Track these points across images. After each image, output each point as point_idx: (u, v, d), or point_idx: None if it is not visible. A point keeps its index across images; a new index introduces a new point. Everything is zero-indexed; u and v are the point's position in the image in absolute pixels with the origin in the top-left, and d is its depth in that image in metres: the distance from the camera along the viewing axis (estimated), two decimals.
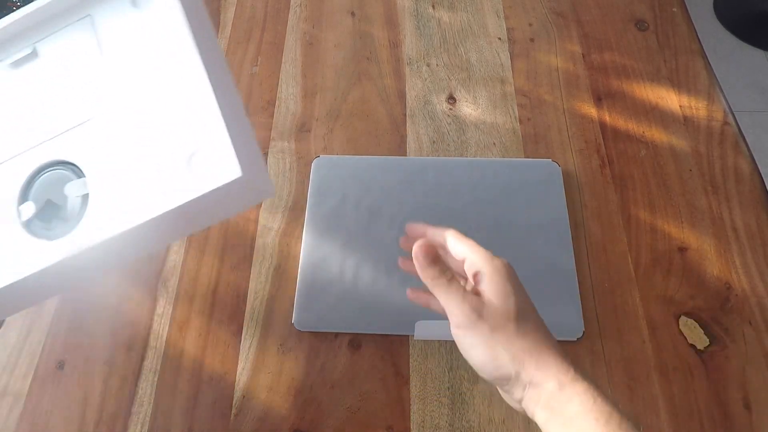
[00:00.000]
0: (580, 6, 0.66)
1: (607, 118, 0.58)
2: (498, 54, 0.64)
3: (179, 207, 0.33)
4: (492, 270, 0.29)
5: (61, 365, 0.50)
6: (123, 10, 0.39)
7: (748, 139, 0.55)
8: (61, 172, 0.38)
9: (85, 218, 0.36)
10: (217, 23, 0.71)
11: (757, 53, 1.54)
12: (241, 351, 0.49)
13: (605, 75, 0.61)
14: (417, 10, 0.69)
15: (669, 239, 0.50)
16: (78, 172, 0.37)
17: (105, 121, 0.37)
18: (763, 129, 1.42)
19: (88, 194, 0.36)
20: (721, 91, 0.58)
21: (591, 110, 0.58)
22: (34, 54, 0.40)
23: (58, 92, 0.39)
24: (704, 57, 0.61)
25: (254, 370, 0.48)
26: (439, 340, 0.48)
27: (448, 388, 0.46)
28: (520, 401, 0.28)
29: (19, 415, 0.48)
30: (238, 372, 0.48)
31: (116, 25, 0.39)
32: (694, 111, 0.57)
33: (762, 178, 0.53)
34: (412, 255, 0.30)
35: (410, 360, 0.48)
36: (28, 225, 0.36)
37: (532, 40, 0.64)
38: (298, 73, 0.65)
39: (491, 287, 0.28)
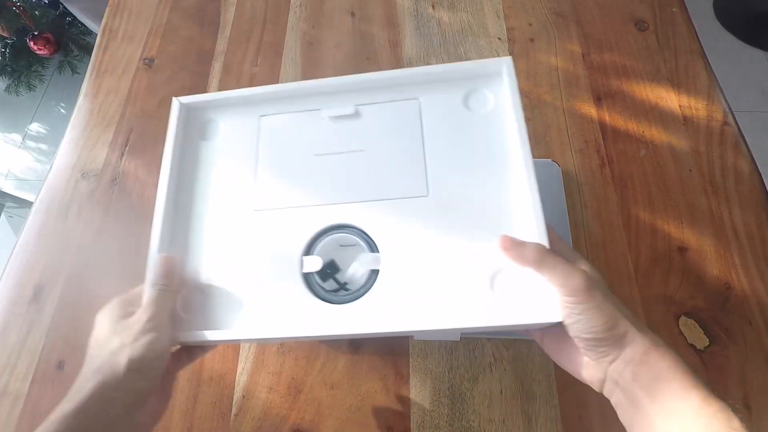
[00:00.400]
0: (580, 6, 0.66)
1: (606, 118, 0.58)
2: (498, 54, 0.64)
3: (475, 327, 0.34)
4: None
5: (61, 365, 0.50)
6: (453, 106, 0.42)
7: (748, 139, 0.55)
8: (355, 238, 0.39)
9: (369, 294, 0.37)
10: (217, 23, 0.71)
11: (757, 53, 1.54)
12: (241, 351, 0.49)
13: (605, 75, 0.61)
14: (417, 10, 0.69)
15: (669, 239, 0.50)
16: (371, 245, 0.38)
17: (415, 204, 0.39)
18: (763, 129, 1.42)
19: (378, 271, 0.37)
20: (721, 91, 0.58)
21: (591, 110, 0.58)
22: (355, 114, 0.43)
23: (372, 159, 0.41)
24: (704, 57, 0.61)
25: (254, 370, 0.48)
26: (439, 341, 0.48)
27: (448, 388, 0.46)
28: (612, 361, 0.31)
29: (19, 415, 0.48)
30: (238, 372, 0.48)
31: (442, 118, 0.42)
32: (694, 111, 0.57)
33: (762, 178, 0.53)
34: (507, 243, 0.34)
35: (410, 360, 0.48)
36: (306, 276, 0.38)
37: (532, 40, 0.64)
38: (298, 73, 0.65)
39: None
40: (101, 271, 0.56)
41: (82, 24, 1.59)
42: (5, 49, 1.55)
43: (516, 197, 0.38)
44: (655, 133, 0.56)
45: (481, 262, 0.36)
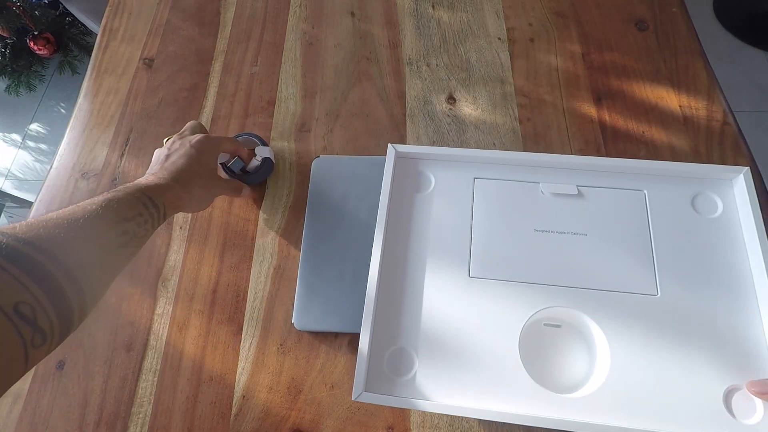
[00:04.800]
0: (580, 6, 0.66)
1: (606, 118, 0.58)
2: (498, 54, 0.64)
3: None
4: None
5: (61, 365, 0.50)
6: (680, 204, 0.41)
7: (748, 139, 0.55)
8: (564, 318, 0.39)
9: (589, 387, 0.36)
10: (217, 23, 0.71)
11: (757, 53, 1.54)
12: (241, 351, 0.49)
13: (605, 75, 0.61)
14: (417, 10, 0.69)
15: None
16: (592, 334, 0.37)
17: (643, 301, 0.38)
18: (763, 129, 1.42)
19: (608, 370, 0.35)
20: (721, 91, 0.58)
21: (591, 110, 0.58)
22: (578, 195, 0.43)
23: (596, 245, 0.41)
24: (704, 57, 0.61)
25: (254, 370, 0.48)
26: None
27: None
28: None
29: (19, 415, 0.48)
30: (238, 372, 0.48)
31: (669, 215, 0.41)
32: (694, 111, 0.57)
33: (762, 178, 0.53)
34: (759, 387, 0.34)
35: None
36: (523, 357, 0.37)
37: (531, 40, 0.64)
38: (298, 73, 0.65)
39: None
40: None
41: (82, 24, 1.59)
42: (5, 49, 1.55)
43: (752, 310, 0.37)
44: (655, 133, 0.56)
45: (715, 375, 0.35)
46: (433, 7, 0.69)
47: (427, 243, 0.42)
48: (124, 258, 0.36)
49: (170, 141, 0.49)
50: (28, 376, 0.50)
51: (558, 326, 0.39)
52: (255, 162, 0.55)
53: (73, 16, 1.53)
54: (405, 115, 0.61)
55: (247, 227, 0.55)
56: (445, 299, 0.40)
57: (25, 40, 1.54)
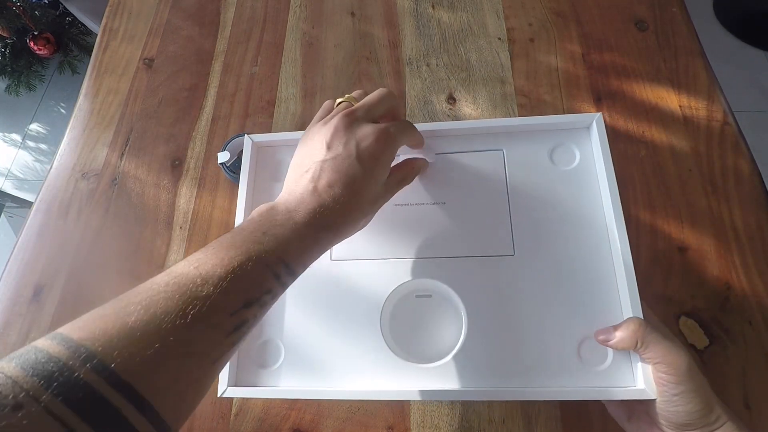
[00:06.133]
0: (580, 6, 0.66)
1: (606, 118, 0.58)
2: (498, 54, 0.64)
3: (561, 399, 0.33)
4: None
5: None
6: (538, 159, 0.41)
7: (748, 139, 0.55)
8: (432, 288, 0.39)
9: (451, 355, 0.36)
10: (217, 23, 0.71)
11: (757, 53, 1.54)
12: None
13: (605, 75, 0.61)
14: (417, 10, 0.69)
15: (669, 239, 0.50)
16: (455, 301, 0.38)
17: (501, 262, 0.38)
18: (763, 129, 1.42)
19: (464, 336, 0.36)
20: (721, 91, 0.58)
21: (591, 110, 0.58)
22: (436, 164, 0.43)
23: (455, 212, 0.41)
24: (704, 57, 0.61)
25: None
26: None
27: None
28: None
29: None
30: None
31: (527, 171, 0.41)
32: (694, 111, 0.57)
33: (762, 178, 0.53)
34: (603, 336, 0.34)
35: None
36: (385, 331, 0.37)
37: (531, 40, 0.64)
38: (298, 73, 0.65)
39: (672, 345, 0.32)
40: (101, 271, 0.56)
41: (82, 24, 1.59)
42: (5, 49, 1.55)
43: (605, 261, 0.37)
44: (655, 133, 0.56)
45: (568, 328, 0.36)
46: (433, 7, 0.69)
47: None
48: (230, 353, 0.25)
49: (340, 120, 0.32)
50: None
51: (429, 296, 0.39)
52: None
53: (73, 16, 1.53)
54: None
55: None
56: (308, 286, 0.39)
57: (25, 40, 1.54)
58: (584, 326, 0.36)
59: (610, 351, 0.35)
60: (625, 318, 0.35)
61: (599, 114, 0.40)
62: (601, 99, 0.59)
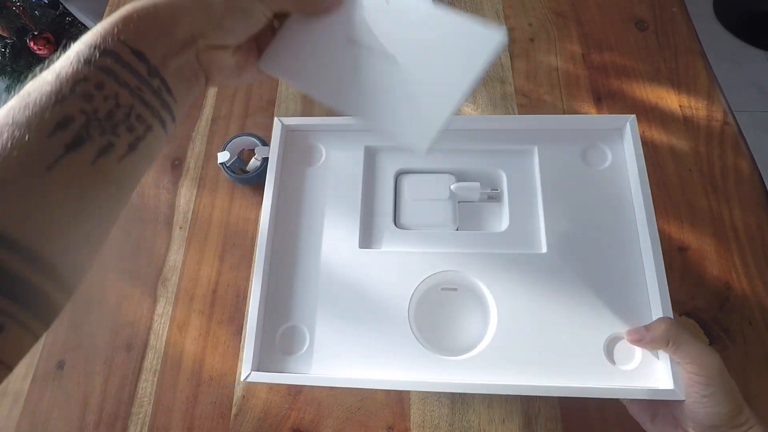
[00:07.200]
0: (580, 6, 0.66)
1: None
2: (498, 54, 0.64)
3: (588, 396, 0.33)
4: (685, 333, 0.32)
5: (61, 365, 0.50)
6: (571, 159, 0.41)
7: (748, 139, 0.55)
8: (458, 281, 0.39)
9: (478, 349, 0.36)
10: None
11: (757, 53, 1.54)
12: (241, 351, 0.49)
13: (605, 75, 0.61)
14: None
15: (669, 239, 0.50)
16: (483, 296, 0.38)
17: (531, 260, 0.38)
18: (763, 129, 1.42)
19: (495, 330, 0.36)
20: (721, 91, 0.58)
21: (591, 110, 0.58)
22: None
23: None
24: (704, 57, 0.61)
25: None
26: None
27: None
28: None
29: (19, 415, 0.48)
30: (238, 372, 0.48)
31: (559, 170, 0.41)
32: (694, 111, 0.57)
33: (762, 178, 0.53)
34: (634, 336, 0.34)
35: None
36: (412, 323, 0.37)
37: (532, 40, 0.64)
38: None
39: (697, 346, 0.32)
40: (101, 270, 0.56)
41: (82, 24, 1.59)
42: (5, 49, 1.55)
43: (635, 260, 0.37)
44: (655, 133, 0.56)
45: (597, 326, 0.36)
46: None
47: (318, 217, 0.42)
48: (79, 168, 0.20)
49: None
50: (28, 376, 0.50)
51: (454, 289, 0.39)
52: (255, 162, 0.55)
53: (73, 16, 1.53)
54: None
55: (247, 227, 0.55)
56: (337, 273, 0.39)
57: (25, 40, 1.54)
58: (613, 325, 0.36)
59: (639, 350, 0.35)
60: (654, 318, 0.35)
61: (633, 116, 0.40)
62: (601, 99, 0.59)
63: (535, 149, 0.42)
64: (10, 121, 0.19)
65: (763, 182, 0.53)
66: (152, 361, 0.50)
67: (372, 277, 0.39)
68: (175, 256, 0.55)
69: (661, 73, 0.60)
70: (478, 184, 0.42)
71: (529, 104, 0.59)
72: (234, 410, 0.47)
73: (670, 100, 0.58)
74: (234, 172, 0.55)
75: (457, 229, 0.42)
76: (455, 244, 0.40)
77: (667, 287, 0.35)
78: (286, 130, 0.44)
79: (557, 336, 0.36)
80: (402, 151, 0.44)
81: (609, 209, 0.39)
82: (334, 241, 0.40)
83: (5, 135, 0.19)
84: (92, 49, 0.22)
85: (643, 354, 0.34)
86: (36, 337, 0.21)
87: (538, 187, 0.41)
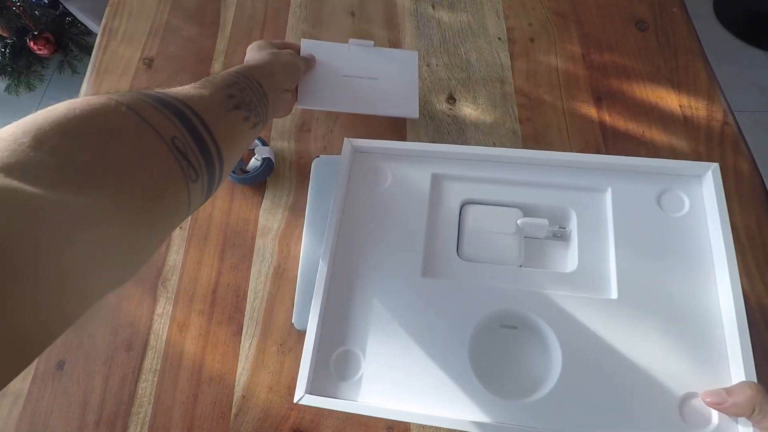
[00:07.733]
0: (580, 6, 0.66)
1: (607, 118, 0.58)
2: (498, 54, 0.64)
3: None
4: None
5: (61, 365, 0.50)
6: (646, 203, 0.40)
7: (748, 140, 0.55)
8: (520, 319, 0.38)
9: (542, 392, 0.34)
10: (217, 23, 0.71)
11: (757, 53, 1.54)
12: (241, 351, 0.49)
13: (605, 75, 0.61)
14: (417, 10, 0.69)
15: None
16: (547, 338, 0.36)
17: (601, 304, 0.37)
18: (763, 129, 1.42)
19: (559, 375, 0.35)
20: (721, 91, 0.58)
21: (591, 110, 0.58)
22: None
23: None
24: (704, 57, 0.61)
25: (254, 370, 0.48)
26: None
27: None
28: None
29: (19, 415, 0.48)
30: (238, 372, 0.48)
31: (633, 213, 0.40)
32: (694, 111, 0.57)
33: (762, 178, 0.53)
34: (713, 399, 0.33)
35: None
36: (473, 364, 0.36)
37: (532, 40, 0.64)
38: None
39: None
40: None
41: (82, 24, 1.59)
42: (5, 49, 1.55)
43: (713, 315, 0.35)
44: (656, 133, 0.56)
45: (670, 382, 0.34)
46: (433, 7, 0.69)
47: (381, 241, 0.41)
48: (237, 120, 0.35)
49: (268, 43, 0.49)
50: (28, 376, 0.50)
51: (515, 328, 0.38)
52: (255, 162, 0.55)
53: (73, 16, 1.53)
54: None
55: (247, 227, 0.55)
56: (396, 300, 0.38)
57: (25, 40, 1.54)
58: (688, 382, 0.33)
59: (716, 413, 0.33)
60: (733, 376, 0.33)
61: (716, 165, 0.38)
62: (601, 99, 0.59)
63: (609, 189, 0.40)
64: (208, 85, 0.34)
65: (763, 182, 0.53)
66: (152, 361, 0.50)
67: (432, 307, 0.38)
68: (175, 256, 0.55)
69: (661, 73, 0.60)
70: (546, 221, 0.40)
71: (529, 104, 0.59)
72: (234, 410, 0.47)
73: (670, 100, 0.58)
74: (234, 172, 0.55)
75: (521, 266, 0.40)
76: (519, 281, 0.38)
77: (750, 348, 0.32)
78: (354, 151, 0.44)
79: (626, 388, 0.34)
80: (469, 181, 0.43)
81: (685, 259, 0.37)
82: (396, 266, 0.40)
83: (207, 91, 0.34)
84: (236, 74, 0.38)
85: (720, 417, 0.32)
86: (201, 201, 0.31)
87: (610, 229, 0.39)
